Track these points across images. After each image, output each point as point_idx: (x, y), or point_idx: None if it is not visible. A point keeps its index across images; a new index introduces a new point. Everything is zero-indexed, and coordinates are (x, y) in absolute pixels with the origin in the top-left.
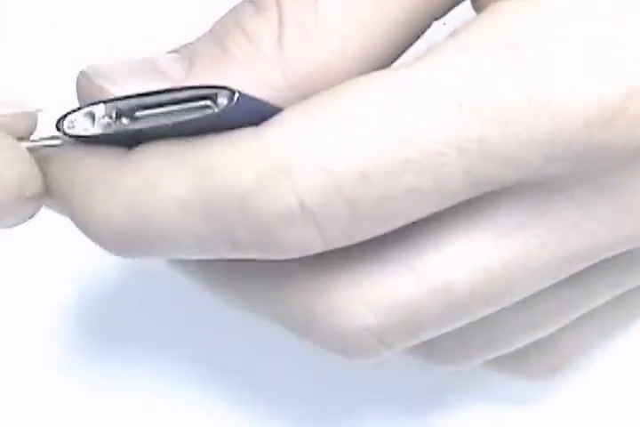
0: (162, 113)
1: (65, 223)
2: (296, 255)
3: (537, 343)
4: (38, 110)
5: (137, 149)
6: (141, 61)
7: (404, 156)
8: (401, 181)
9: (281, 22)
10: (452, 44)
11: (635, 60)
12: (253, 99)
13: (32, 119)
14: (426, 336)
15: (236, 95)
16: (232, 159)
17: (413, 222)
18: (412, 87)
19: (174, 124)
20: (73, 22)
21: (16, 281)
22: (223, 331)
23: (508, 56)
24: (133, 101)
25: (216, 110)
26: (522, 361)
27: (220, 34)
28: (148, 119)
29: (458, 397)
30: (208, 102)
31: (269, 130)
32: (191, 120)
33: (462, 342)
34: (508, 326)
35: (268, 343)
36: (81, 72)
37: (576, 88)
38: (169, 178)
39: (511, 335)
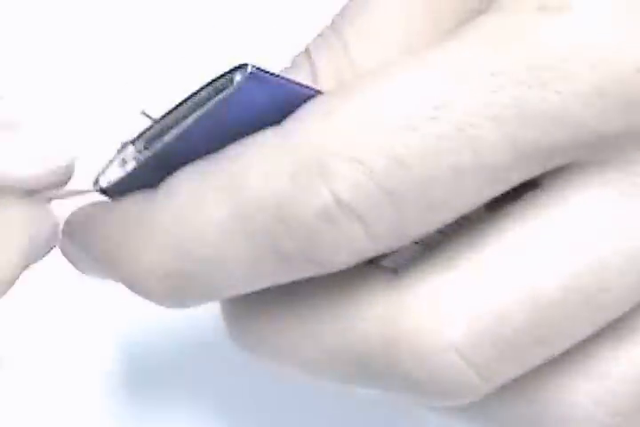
0: (184, 124)
1: None
2: (348, 260)
3: None
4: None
5: (164, 182)
6: None
7: (437, 133)
8: (438, 160)
9: (314, 73)
10: (480, 19)
11: None
12: (275, 75)
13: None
14: (523, 358)
15: (250, 67)
16: (260, 168)
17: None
18: (437, 63)
19: (198, 125)
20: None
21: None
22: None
23: (536, 16)
24: (158, 126)
25: (232, 89)
26: None
27: None
28: (171, 134)
29: None
30: (225, 91)
31: (292, 129)
32: (211, 111)
33: None
34: None
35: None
36: None
37: (614, 35)
38: (201, 204)
39: None
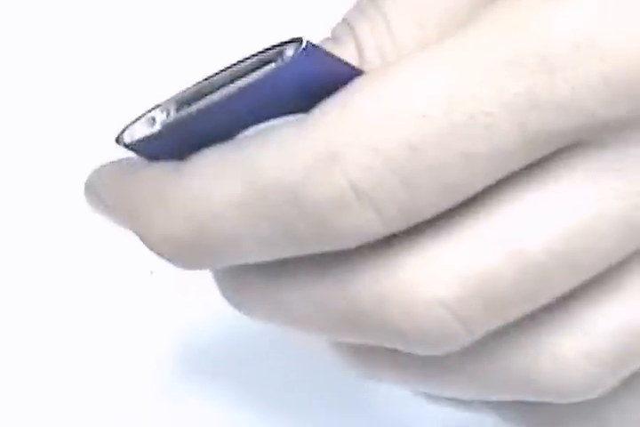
0: (222, 93)
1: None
2: (357, 242)
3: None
4: None
5: (189, 159)
6: None
7: (451, 121)
8: (451, 147)
9: (359, 49)
10: (487, 10)
11: None
12: (327, 53)
13: None
14: (506, 313)
15: (305, 42)
16: (276, 155)
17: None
18: (450, 54)
19: (234, 99)
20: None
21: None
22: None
23: (544, 5)
24: (192, 90)
25: (282, 63)
26: None
27: None
28: (207, 101)
29: None
30: (273, 65)
31: (312, 121)
32: (254, 83)
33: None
34: None
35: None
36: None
37: (618, 24)
38: (221, 183)
39: None
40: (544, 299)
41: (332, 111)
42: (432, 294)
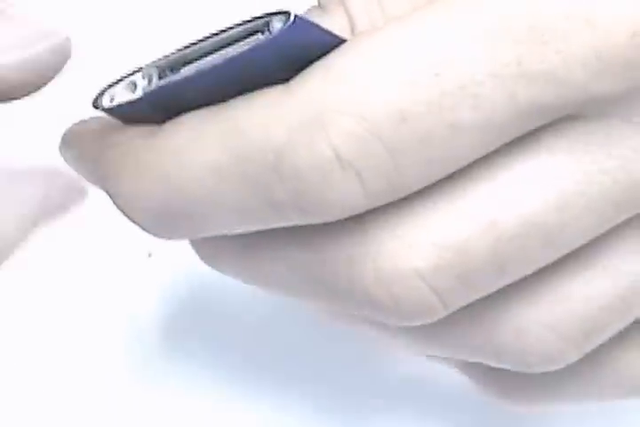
0: (207, 62)
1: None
2: (340, 215)
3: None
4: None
5: (167, 122)
6: None
7: (440, 90)
8: (440, 117)
9: (351, 22)
10: None
11: None
12: (314, 25)
13: (65, 50)
14: (481, 285)
15: (292, 16)
16: (260, 117)
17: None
18: (438, 21)
19: (218, 69)
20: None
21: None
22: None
23: None
24: (175, 56)
25: (270, 36)
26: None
27: None
28: (191, 69)
29: None
30: (260, 35)
31: (297, 84)
32: (240, 55)
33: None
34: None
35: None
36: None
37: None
38: (198, 145)
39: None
40: (519, 273)
41: (316, 74)
42: (408, 263)
